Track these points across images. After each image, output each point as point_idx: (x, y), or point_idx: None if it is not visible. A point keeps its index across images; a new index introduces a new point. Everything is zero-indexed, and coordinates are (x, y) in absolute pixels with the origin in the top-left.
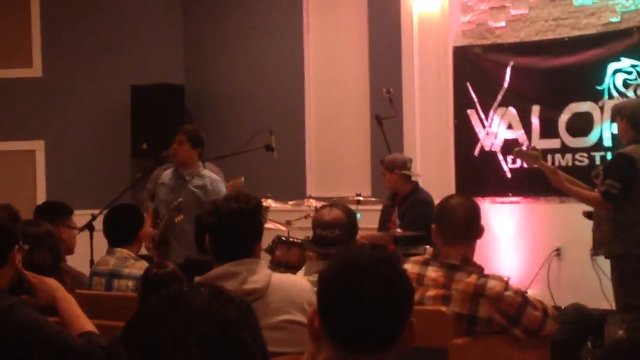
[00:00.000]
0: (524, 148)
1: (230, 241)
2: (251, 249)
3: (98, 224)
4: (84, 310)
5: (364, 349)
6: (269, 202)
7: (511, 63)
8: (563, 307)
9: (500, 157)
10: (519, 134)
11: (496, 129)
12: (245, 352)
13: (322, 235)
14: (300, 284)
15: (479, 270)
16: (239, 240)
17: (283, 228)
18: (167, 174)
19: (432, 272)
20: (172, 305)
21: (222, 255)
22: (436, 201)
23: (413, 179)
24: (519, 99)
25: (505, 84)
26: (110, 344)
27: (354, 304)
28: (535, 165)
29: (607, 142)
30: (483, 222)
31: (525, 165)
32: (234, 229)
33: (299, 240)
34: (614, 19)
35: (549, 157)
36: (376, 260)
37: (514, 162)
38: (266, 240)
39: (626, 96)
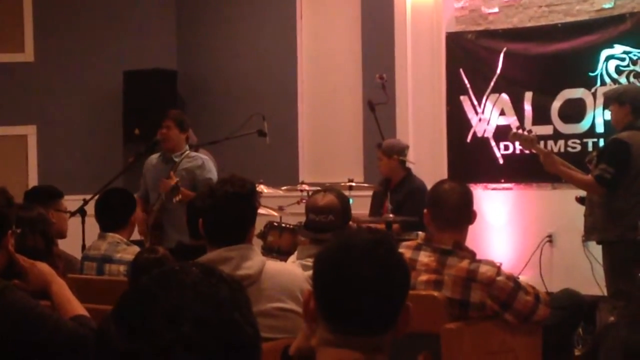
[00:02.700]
0: (520, 131)
1: (225, 224)
2: (245, 233)
3: (90, 208)
4: (75, 294)
5: (358, 330)
6: (261, 188)
7: (504, 49)
8: (554, 293)
9: (493, 144)
10: (511, 120)
11: (489, 115)
12: (237, 332)
13: (315, 220)
14: (294, 272)
15: (471, 255)
16: (233, 224)
17: (275, 213)
18: (153, 159)
19: (424, 257)
20: (163, 285)
21: (215, 239)
22: (428, 187)
23: (408, 165)
24: (512, 85)
25: (498, 70)
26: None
27: (350, 285)
28: (533, 150)
29: (600, 128)
30: (475, 207)
31: (517, 152)
32: (229, 212)
33: (291, 226)
34: (607, 5)
35: (541, 143)
36: (373, 243)
37: (506, 148)
38: (258, 226)
39: (619, 82)
